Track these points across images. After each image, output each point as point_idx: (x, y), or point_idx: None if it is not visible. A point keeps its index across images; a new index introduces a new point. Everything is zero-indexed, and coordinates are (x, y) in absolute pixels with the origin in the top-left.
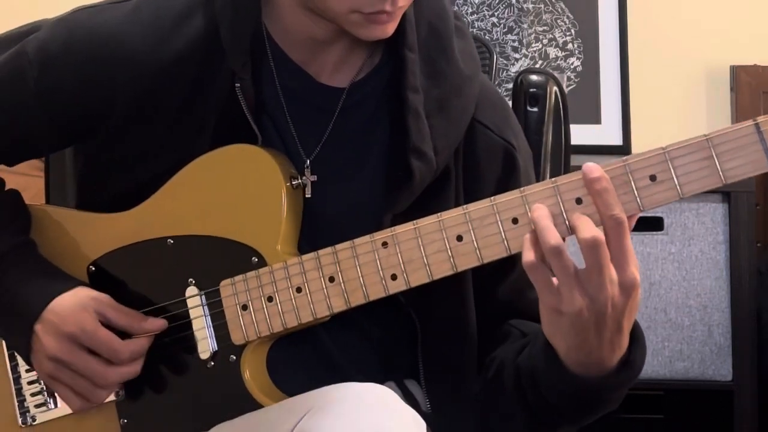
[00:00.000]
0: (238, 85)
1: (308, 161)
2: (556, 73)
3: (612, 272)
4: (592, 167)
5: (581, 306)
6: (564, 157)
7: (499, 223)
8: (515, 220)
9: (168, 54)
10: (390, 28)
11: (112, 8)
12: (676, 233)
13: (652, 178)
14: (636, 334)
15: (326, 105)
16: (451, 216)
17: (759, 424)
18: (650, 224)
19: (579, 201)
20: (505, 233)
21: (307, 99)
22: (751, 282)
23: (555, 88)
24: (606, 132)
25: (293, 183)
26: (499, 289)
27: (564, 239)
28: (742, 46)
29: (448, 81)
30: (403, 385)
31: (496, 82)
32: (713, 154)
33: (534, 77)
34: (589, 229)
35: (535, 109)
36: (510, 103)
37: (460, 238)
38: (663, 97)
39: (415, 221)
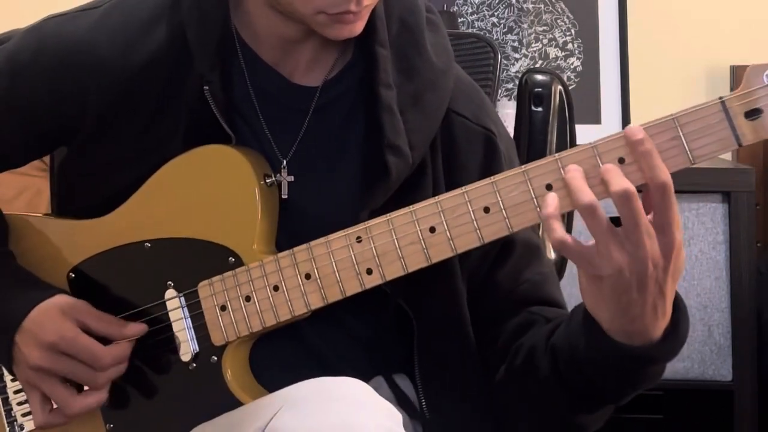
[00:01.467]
0: (207, 87)
1: (284, 162)
2: None
3: (650, 228)
4: (635, 129)
5: (621, 265)
6: None
7: (471, 212)
8: (487, 209)
9: (137, 59)
10: (357, 27)
11: (81, 16)
12: None
13: (621, 160)
14: (678, 304)
15: (300, 104)
16: (423, 207)
17: (759, 424)
18: None
19: (549, 187)
20: (477, 222)
21: (279, 99)
22: (751, 282)
23: (560, 87)
24: (606, 132)
25: (267, 181)
26: (498, 278)
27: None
28: (742, 46)
29: (422, 75)
30: (392, 381)
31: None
32: (680, 134)
33: (539, 77)
34: (620, 181)
35: (540, 109)
36: (514, 102)
37: (432, 230)
38: (663, 97)
39: (388, 214)
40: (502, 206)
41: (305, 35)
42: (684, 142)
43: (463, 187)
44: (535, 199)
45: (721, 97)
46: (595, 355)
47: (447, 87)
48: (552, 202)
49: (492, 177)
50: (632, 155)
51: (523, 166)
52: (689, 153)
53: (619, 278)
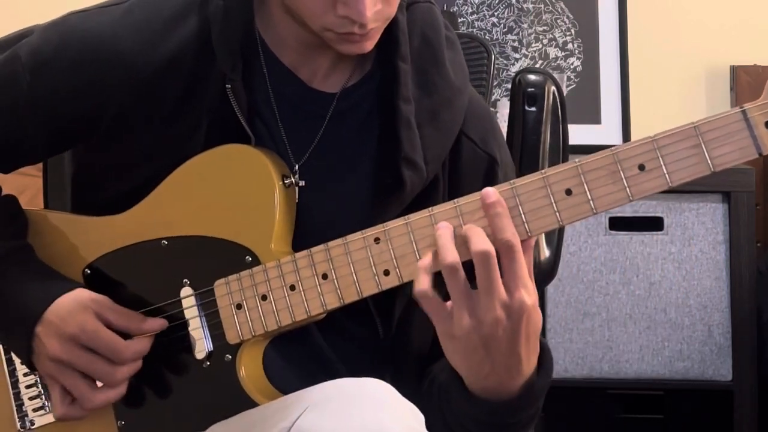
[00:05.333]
0: (229, 86)
1: (297, 166)
2: (556, 74)
3: (502, 294)
4: (490, 192)
5: (469, 328)
6: (562, 157)
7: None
8: None
9: (160, 56)
10: (366, 46)
11: (104, 12)
12: (676, 233)
13: (641, 167)
14: (541, 358)
15: (317, 110)
16: (443, 210)
17: (759, 424)
18: (650, 224)
19: (569, 192)
20: None
21: (298, 103)
22: (751, 282)
23: (553, 87)
24: (606, 132)
25: (285, 182)
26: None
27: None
28: (742, 46)
29: (439, 92)
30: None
31: (496, 82)
32: (701, 142)
33: (532, 77)
34: (482, 241)
35: (533, 109)
36: (508, 102)
37: None
38: (663, 97)
39: (406, 216)
40: (521, 210)
41: (324, 42)
42: (705, 150)
43: (483, 191)
44: (554, 204)
45: (742, 107)
46: (460, 404)
47: (462, 106)
48: (426, 259)
49: (512, 181)
50: (486, 216)
51: (542, 171)
52: (709, 161)
53: (468, 340)
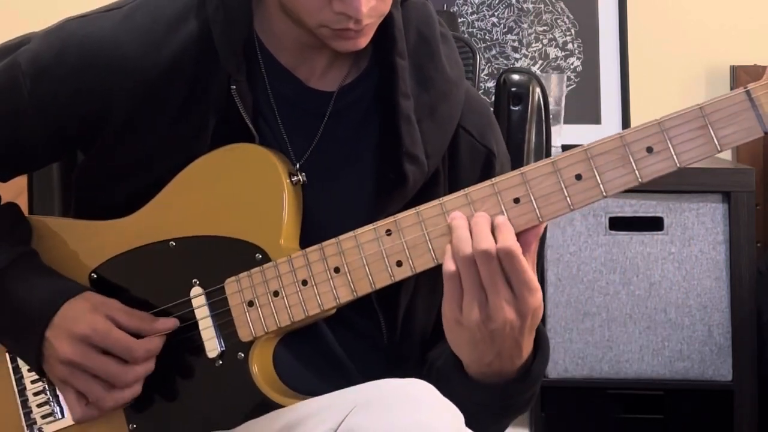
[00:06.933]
0: (234, 87)
1: (298, 165)
2: (555, 73)
3: (508, 293)
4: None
5: (477, 321)
6: (545, 156)
7: (501, 204)
8: (516, 200)
9: (163, 58)
10: (360, 43)
11: (103, 17)
12: (676, 233)
13: (649, 149)
14: (539, 342)
15: (316, 109)
16: (452, 199)
17: (759, 424)
18: (650, 224)
19: (579, 177)
20: (507, 213)
21: (297, 103)
22: (751, 282)
23: (537, 88)
24: (606, 132)
25: (292, 180)
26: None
27: None
28: (742, 46)
29: (436, 86)
30: None
31: (493, 82)
32: (707, 122)
33: (516, 77)
34: (484, 239)
35: (518, 108)
36: (493, 101)
37: None
38: (663, 97)
39: (416, 207)
40: (531, 197)
41: (320, 41)
42: (711, 130)
43: (491, 179)
44: (565, 189)
45: (746, 87)
46: (458, 388)
47: (459, 99)
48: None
49: (521, 168)
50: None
51: (551, 158)
52: (716, 141)
53: (476, 331)
